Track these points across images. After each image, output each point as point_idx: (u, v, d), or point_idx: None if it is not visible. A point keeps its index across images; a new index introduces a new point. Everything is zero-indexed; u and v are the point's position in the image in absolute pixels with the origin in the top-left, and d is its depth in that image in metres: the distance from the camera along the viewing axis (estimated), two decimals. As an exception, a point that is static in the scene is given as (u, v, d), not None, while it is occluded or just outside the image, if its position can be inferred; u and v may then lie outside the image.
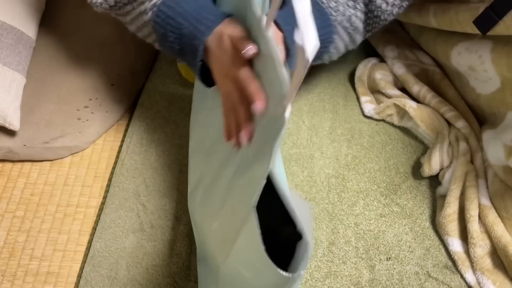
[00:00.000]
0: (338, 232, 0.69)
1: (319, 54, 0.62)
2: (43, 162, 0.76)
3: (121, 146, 0.78)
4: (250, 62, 0.47)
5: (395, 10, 0.62)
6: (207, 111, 0.64)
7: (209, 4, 0.53)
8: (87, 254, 0.66)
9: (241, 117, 0.48)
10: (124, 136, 0.79)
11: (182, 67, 0.86)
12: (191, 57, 0.53)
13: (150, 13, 0.55)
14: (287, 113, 0.41)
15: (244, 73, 0.46)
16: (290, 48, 0.51)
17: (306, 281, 0.64)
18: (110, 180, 0.74)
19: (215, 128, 0.62)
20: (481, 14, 0.62)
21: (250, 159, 0.48)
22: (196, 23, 0.51)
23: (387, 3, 0.61)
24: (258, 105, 0.43)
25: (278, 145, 0.42)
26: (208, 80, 0.56)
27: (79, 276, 0.64)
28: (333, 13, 0.59)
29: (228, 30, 0.48)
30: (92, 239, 0.68)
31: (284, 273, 0.39)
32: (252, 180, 0.45)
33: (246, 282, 0.45)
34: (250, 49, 0.44)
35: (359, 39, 0.65)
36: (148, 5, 0.55)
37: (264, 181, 0.41)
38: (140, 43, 0.85)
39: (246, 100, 0.46)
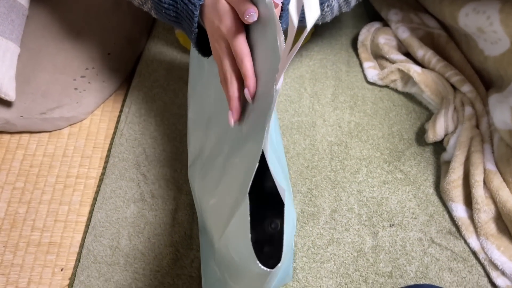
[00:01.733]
0: (341, 200, 0.68)
1: None
2: (41, 134, 0.75)
3: (119, 116, 0.76)
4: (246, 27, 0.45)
5: None
6: (204, 81, 0.63)
7: None
8: (89, 225, 0.66)
9: (230, 92, 0.46)
10: (122, 106, 0.78)
11: (180, 34, 0.83)
12: (187, 24, 0.51)
13: None
14: (278, 86, 0.39)
15: (240, 45, 0.44)
16: (283, 14, 0.49)
17: (308, 248, 0.64)
18: (109, 150, 0.73)
19: (212, 99, 0.60)
20: (490, -28, 0.60)
21: (243, 135, 0.46)
22: None
23: None
24: (248, 92, 0.43)
25: (269, 120, 0.40)
26: (205, 49, 0.54)
27: (81, 246, 0.64)
28: None
29: None
30: (93, 210, 0.67)
31: (261, 266, 0.39)
32: (245, 159, 0.44)
33: (235, 265, 0.45)
34: (251, 16, 0.42)
35: (353, 1, 0.63)
36: None
37: (256, 165, 0.40)
38: (136, 10, 0.83)
39: (238, 73, 0.45)
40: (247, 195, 0.40)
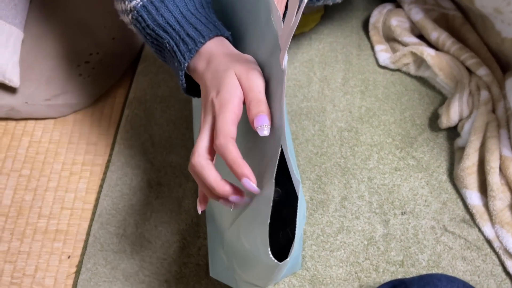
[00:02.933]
0: (351, 187, 0.66)
1: None
2: (47, 120, 0.74)
3: (125, 102, 0.75)
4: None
5: None
6: None
7: (198, 11, 0.43)
8: (95, 212, 0.65)
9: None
10: (128, 92, 0.76)
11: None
12: (176, 70, 0.44)
13: (130, 16, 0.45)
14: (284, 65, 0.36)
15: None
16: None
17: (317, 236, 0.62)
18: (115, 137, 0.72)
19: None
20: None
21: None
22: (177, 39, 0.41)
23: None
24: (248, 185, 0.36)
25: (283, 103, 0.37)
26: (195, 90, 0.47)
27: (88, 234, 0.64)
28: None
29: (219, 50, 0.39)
30: (99, 197, 0.66)
31: (271, 257, 0.37)
32: (262, 144, 0.42)
33: (245, 252, 0.44)
34: (262, 129, 0.36)
35: None
36: (128, 5, 0.45)
37: (279, 149, 0.37)
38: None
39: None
40: (273, 180, 0.37)
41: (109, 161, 0.70)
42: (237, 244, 0.45)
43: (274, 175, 0.37)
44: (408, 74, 0.76)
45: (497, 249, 0.60)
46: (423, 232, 0.63)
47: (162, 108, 0.74)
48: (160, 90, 0.76)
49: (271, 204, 0.37)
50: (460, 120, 0.69)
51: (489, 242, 0.61)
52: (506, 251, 0.60)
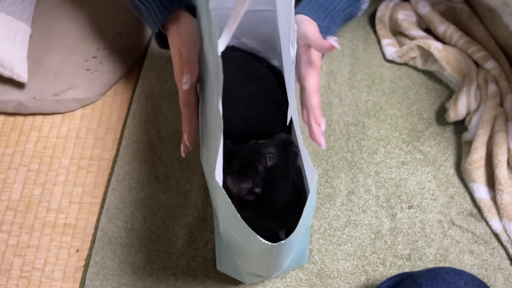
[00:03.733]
0: (358, 181, 0.66)
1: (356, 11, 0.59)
2: (55, 115, 0.75)
3: (132, 97, 0.75)
4: None
5: None
6: (204, 57, 0.61)
7: None
8: (103, 206, 0.66)
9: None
10: (135, 87, 0.76)
11: (192, 13, 0.81)
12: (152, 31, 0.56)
13: None
14: (292, 55, 0.38)
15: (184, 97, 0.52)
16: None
17: (324, 230, 0.63)
18: (122, 132, 0.72)
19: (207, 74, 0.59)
20: None
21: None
22: (150, 10, 0.53)
23: None
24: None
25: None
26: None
27: (96, 228, 0.64)
28: None
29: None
30: (107, 191, 0.67)
31: (261, 240, 0.37)
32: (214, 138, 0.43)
33: (238, 244, 0.44)
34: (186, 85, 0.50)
35: None
36: None
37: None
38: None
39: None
40: (215, 177, 0.38)
41: (116, 155, 0.70)
42: (230, 237, 0.45)
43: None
44: (415, 68, 0.76)
45: (505, 243, 0.60)
46: (430, 226, 0.63)
47: (169, 103, 0.74)
48: (167, 85, 0.76)
49: (225, 194, 0.37)
50: (467, 114, 0.68)
51: (496, 236, 0.61)
52: (514, 244, 0.60)
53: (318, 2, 0.54)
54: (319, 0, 0.54)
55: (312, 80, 0.52)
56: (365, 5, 0.59)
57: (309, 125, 0.52)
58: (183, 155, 0.53)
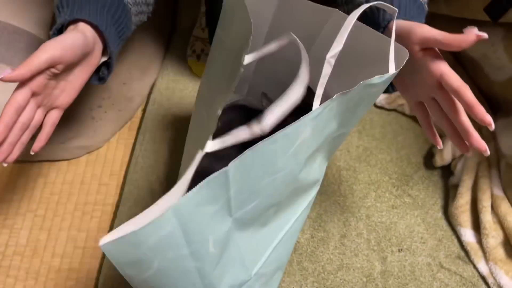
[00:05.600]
0: (350, 225, 0.69)
1: None
2: (61, 162, 0.78)
3: (134, 144, 0.79)
4: None
5: None
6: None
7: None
8: (106, 251, 0.68)
9: None
10: (137, 134, 0.80)
11: (192, 62, 0.86)
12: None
13: None
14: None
15: None
16: None
17: (318, 274, 0.65)
18: (125, 178, 0.76)
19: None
20: (492, 2, 0.61)
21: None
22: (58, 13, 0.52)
23: None
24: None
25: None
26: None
27: (99, 272, 0.67)
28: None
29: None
30: (110, 236, 0.70)
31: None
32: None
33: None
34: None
35: None
36: None
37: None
38: (148, 41, 0.86)
39: None
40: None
41: (119, 201, 0.73)
42: None
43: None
44: (404, 114, 0.80)
45: (492, 286, 0.63)
46: (420, 268, 0.65)
47: (170, 149, 0.78)
48: (168, 132, 0.80)
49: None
50: (453, 159, 0.72)
51: (483, 278, 0.64)
52: (500, 287, 0.62)
53: (406, 9, 0.49)
54: (406, 7, 0.49)
55: (455, 76, 0.44)
56: None
57: (464, 131, 0.45)
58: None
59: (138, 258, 0.33)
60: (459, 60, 0.79)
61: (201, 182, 0.33)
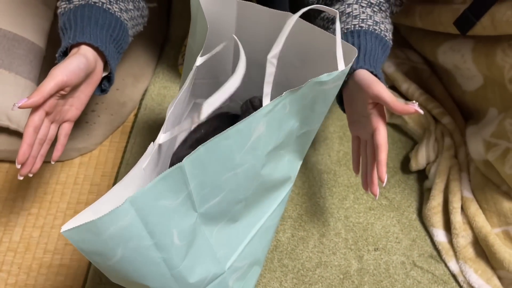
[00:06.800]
0: (329, 225, 0.73)
1: None
2: (55, 163, 0.82)
3: (126, 147, 0.83)
4: None
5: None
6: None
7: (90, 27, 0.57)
8: (96, 248, 0.72)
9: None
10: (129, 137, 0.84)
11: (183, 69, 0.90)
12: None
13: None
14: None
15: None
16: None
17: (298, 271, 0.68)
18: (116, 178, 0.79)
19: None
20: (460, 16, 0.66)
21: None
22: (65, 34, 0.58)
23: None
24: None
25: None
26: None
27: (88, 268, 0.70)
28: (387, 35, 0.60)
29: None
30: (100, 234, 0.73)
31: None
32: None
33: None
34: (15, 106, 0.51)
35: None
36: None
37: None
38: (141, 49, 0.91)
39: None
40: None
41: (110, 200, 0.77)
42: None
43: None
44: (383, 121, 0.84)
45: (462, 283, 0.66)
46: (394, 267, 0.68)
47: (159, 152, 0.81)
48: (158, 135, 0.84)
49: None
50: (427, 164, 0.76)
51: (454, 276, 0.67)
52: (469, 285, 0.65)
53: (371, 54, 0.55)
54: (371, 52, 0.56)
55: (384, 135, 0.52)
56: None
57: (370, 177, 0.55)
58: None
59: (100, 246, 0.36)
60: (435, 70, 0.83)
61: (157, 177, 0.36)
